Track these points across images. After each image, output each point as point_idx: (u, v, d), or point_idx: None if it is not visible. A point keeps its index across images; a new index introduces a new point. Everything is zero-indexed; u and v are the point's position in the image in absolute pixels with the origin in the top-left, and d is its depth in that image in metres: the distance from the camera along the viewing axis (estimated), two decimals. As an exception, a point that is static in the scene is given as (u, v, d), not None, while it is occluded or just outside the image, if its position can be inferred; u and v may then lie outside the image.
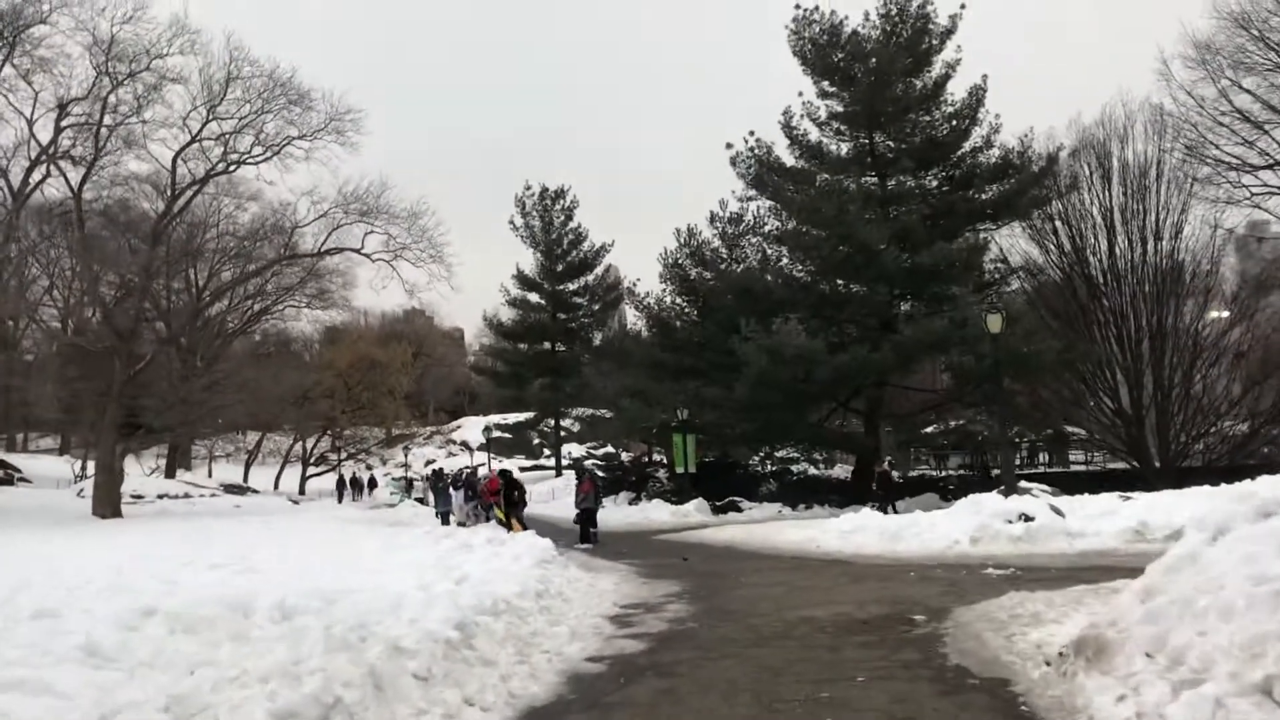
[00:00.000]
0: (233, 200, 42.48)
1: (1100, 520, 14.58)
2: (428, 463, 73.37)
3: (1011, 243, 33.92)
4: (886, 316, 31.40)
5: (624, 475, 35.81)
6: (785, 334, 27.98)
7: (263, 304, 61.45)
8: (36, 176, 34.86)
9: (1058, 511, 15.35)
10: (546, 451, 54.34)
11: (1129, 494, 16.81)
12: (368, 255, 42.96)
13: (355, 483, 58.35)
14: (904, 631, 8.50)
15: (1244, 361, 30.97)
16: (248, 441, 72.19)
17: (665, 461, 36.16)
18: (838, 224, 29.44)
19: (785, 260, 33.74)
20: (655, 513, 28.55)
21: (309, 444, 72.12)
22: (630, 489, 34.32)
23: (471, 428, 71.14)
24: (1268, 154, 28.68)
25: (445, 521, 24.84)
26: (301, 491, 63.30)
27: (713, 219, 36.39)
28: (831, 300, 32.34)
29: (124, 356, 35.83)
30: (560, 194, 54.89)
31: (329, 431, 73.79)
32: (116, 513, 33.65)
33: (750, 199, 34.49)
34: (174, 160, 36.14)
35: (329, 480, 63.28)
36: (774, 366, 28.05)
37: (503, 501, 21.26)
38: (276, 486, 67.47)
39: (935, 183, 33.38)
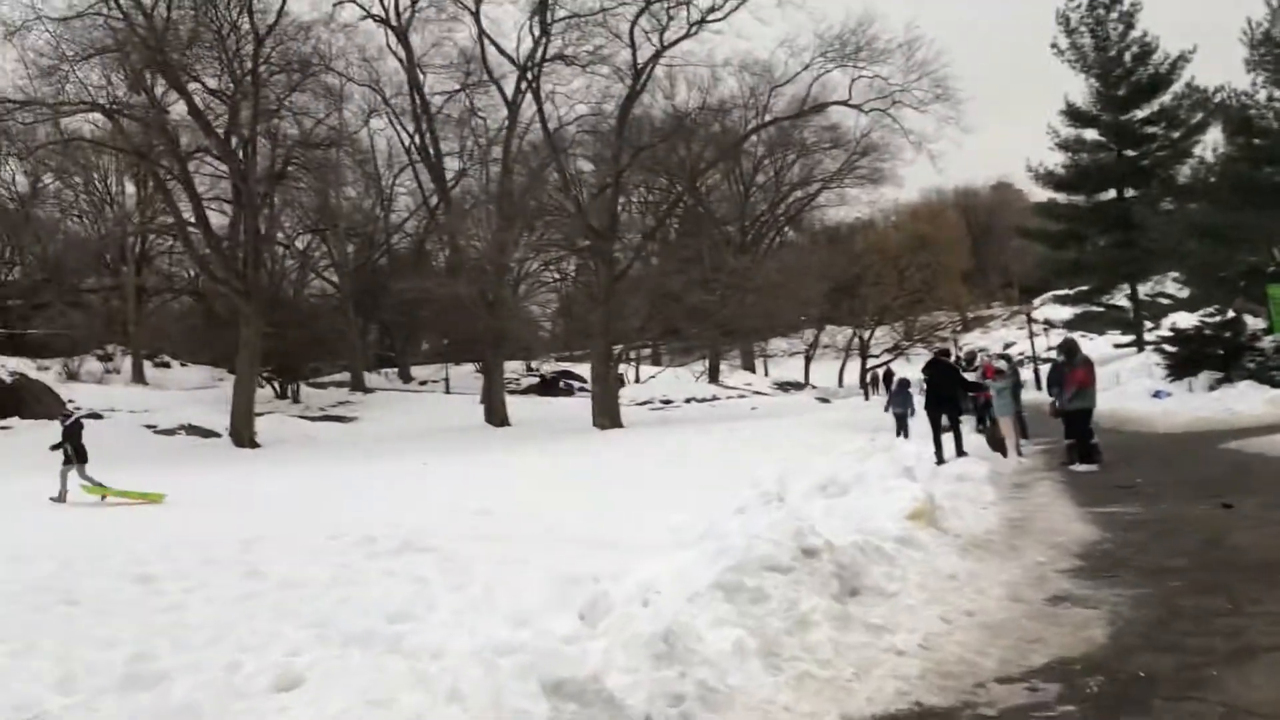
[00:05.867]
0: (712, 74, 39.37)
1: None
2: (1006, 345, 66.20)
3: None
4: None
5: (1199, 350, 25.31)
6: None
7: (806, 192, 59.48)
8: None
9: None
10: (1148, 324, 42.17)
11: None
12: (857, 106, 37.53)
13: (888, 378, 52.75)
14: None
15: None
16: (805, 338, 71.38)
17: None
18: None
19: None
20: (1241, 402, 19.05)
21: (866, 336, 68.73)
22: (1215, 368, 24.20)
23: (1054, 304, 61.09)
24: None
25: (901, 429, 18.42)
26: (861, 386, 59.64)
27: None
28: None
29: (605, 259, 34.44)
30: (1116, -1, 42.67)
31: (885, 321, 69.62)
32: (616, 423, 32.59)
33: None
34: (630, 32, 33.58)
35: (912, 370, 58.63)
36: None
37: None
38: (840, 382, 65.55)
39: None
